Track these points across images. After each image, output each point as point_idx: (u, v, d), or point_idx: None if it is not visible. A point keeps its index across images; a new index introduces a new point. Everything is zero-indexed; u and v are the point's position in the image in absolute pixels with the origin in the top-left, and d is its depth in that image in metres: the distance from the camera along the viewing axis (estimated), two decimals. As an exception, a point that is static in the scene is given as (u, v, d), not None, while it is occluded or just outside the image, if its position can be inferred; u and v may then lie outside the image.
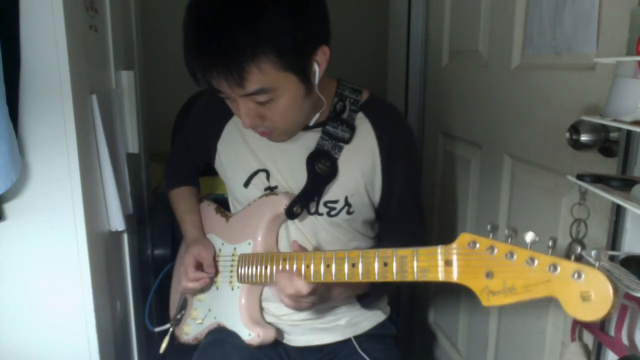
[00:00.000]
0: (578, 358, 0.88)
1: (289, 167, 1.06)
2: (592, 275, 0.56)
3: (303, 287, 0.89)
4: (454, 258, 0.70)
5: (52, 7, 0.86)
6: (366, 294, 1.07)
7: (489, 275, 0.65)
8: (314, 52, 0.91)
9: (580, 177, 0.78)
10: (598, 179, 0.76)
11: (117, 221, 1.15)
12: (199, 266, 1.11)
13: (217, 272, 1.12)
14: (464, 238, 0.68)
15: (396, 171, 1.05)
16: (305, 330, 1.10)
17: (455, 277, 0.70)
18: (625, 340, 0.81)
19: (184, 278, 1.11)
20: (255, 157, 1.08)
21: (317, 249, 1.06)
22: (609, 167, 0.85)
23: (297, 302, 0.93)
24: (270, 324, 1.09)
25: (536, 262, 0.61)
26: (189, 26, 0.88)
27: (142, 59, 1.73)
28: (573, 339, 0.91)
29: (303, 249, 0.96)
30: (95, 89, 1.05)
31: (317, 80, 0.93)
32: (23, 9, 0.85)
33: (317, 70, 0.92)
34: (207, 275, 1.10)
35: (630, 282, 0.68)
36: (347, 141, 1.03)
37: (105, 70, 1.23)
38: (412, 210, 1.10)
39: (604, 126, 0.81)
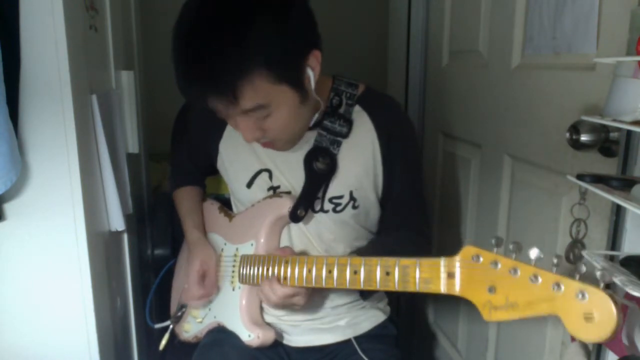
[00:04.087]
0: (578, 358, 0.88)
1: (290, 167, 1.06)
2: (596, 296, 0.56)
3: (282, 291, 0.93)
4: (457, 271, 0.69)
5: (52, 7, 0.86)
6: None
7: (492, 290, 0.65)
8: (305, 59, 0.90)
9: (580, 177, 0.78)
10: (598, 179, 0.76)
11: (117, 221, 1.15)
12: (203, 277, 1.11)
13: (218, 288, 1.13)
14: (467, 251, 0.68)
15: (396, 160, 1.05)
16: (306, 331, 1.10)
17: (457, 290, 0.70)
18: (625, 340, 0.81)
19: (188, 295, 1.12)
20: (257, 157, 1.08)
21: (320, 250, 1.06)
22: (609, 167, 0.85)
23: (285, 306, 0.97)
24: (270, 324, 1.09)
25: (540, 279, 0.61)
26: (177, 53, 0.87)
27: (142, 59, 1.73)
28: (573, 339, 0.91)
29: (292, 252, 0.98)
30: (95, 89, 1.05)
31: (313, 85, 0.93)
32: (23, 9, 0.85)
33: (312, 75, 0.92)
34: (210, 293, 1.11)
35: (630, 282, 0.68)
36: (345, 135, 1.03)
37: (105, 70, 1.23)
38: (413, 202, 1.10)
39: (604, 126, 0.81)
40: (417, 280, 0.75)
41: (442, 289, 0.71)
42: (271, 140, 0.98)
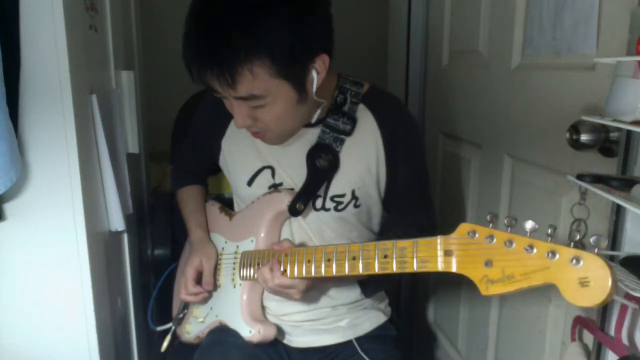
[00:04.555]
0: (578, 358, 0.88)
1: (293, 164, 1.06)
2: (590, 260, 0.56)
3: (279, 280, 0.93)
4: (454, 248, 0.70)
5: (52, 7, 0.86)
6: (366, 281, 1.07)
7: (488, 264, 0.65)
8: (312, 61, 0.90)
9: (580, 177, 0.78)
10: (598, 179, 0.76)
11: (117, 221, 1.15)
12: (200, 276, 1.11)
13: (216, 284, 1.13)
14: (463, 228, 0.69)
15: (399, 159, 1.05)
16: (307, 331, 1.10)
17: (454, 267, 0.70)
18: (625, 340, 0.81)
19: (183, 291, 1.12)
20: (259, 155, 1.08)
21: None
22: (609, 167, 0.85)
23: (280, 294, 0.97)
24: (271, 323, 1.09)
25: (535, 249, 0.61)
26: (190, 22, 0.88)
27: (142, 59, 1.73)
28: (573, 339, 0.91)
29: (291, 245, 0.98)
30: (95, 89, 1.05)
31: (314, 88, 0.93)
32: (23, 9, 0.85)
33: (315, 78, 0.92)
34: (205, 290, 1.11)
35: (630, 282, 0.68)
36: (349, 133, 1.03)
37: (105, 70, 1.23)
38: (417, 200, 1.10)
39: (604, 126, 0.81)
40: (414, 260, 0.75)
41: (440, 267, 0.72)
42: (261, 130, 0.98)
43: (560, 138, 0.88)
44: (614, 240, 0.83)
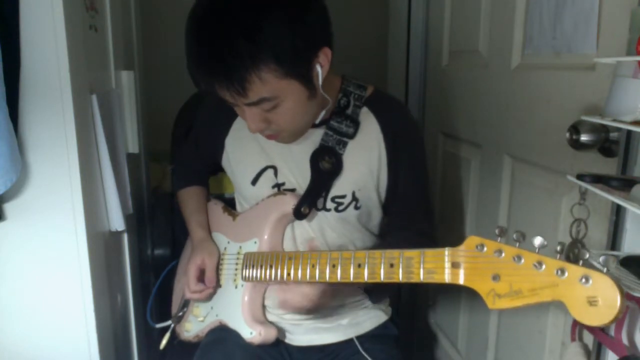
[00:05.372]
0: (578, 358, 0.88)
1: (297, 164, 1.06)
2: (600, 280, 0.56)
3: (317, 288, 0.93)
4: (461, 260, 0.69)
5: (52, 7, 0.86)
6: (371, 289, 1.07)
7: (496, 278, 0.65)
8: (315, 56, 0.91)
9: (580, 177, 0.78)
10: (598, 179, 0.76)
11: (117, 221, 1.15)
12: (202, 274, 1.11)
13: (218, 282, 1.13)
14: (471, 241, 0.68)
15: (401, 163, 1.05)
16: (308, 330, 1.10)
17: (461, 280, 0.70)
18: (625, 340, 0.81)
19: (187, 289, 1.12)
20: (263, 154, 1.08)
21: (322, 248, 1.06)
22: (609, 167, 0.85)
23: (318, 306, 0.96)
24: (272, 323, 1.09)
25: (544, 265, 0.61)
26: (190, 38, 0.88)
27: (142, 59, 1.73)
28: (573, 339, 0.91)
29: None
30: (95, 89, 1.05)
31: (320, 82, 0.93)
32: (23, 9, 0.85)
33: (320, 72, 0.92)
34: (208, 287, 1.10)
35: (630, 282, 0.68)
36: (352, 136, 1.03)
37: (105, 70, 1.23)
38: (417, 204, 1.10)
39: (604, 126, 0.81)
40: (421, 271, 0.75)
41: (447, 279, 0.71)
42: (275, 132, 0.98)
43: (560, 138, 0.88)
44: (614, 240, 0.83)
